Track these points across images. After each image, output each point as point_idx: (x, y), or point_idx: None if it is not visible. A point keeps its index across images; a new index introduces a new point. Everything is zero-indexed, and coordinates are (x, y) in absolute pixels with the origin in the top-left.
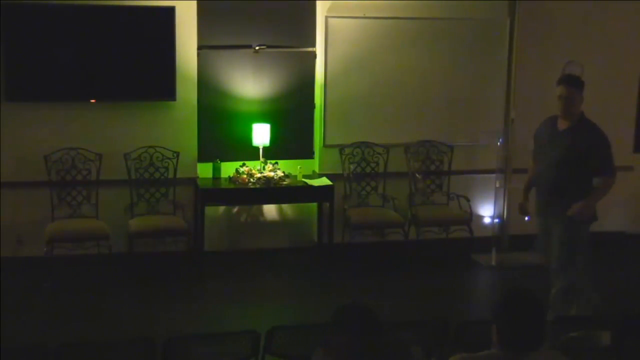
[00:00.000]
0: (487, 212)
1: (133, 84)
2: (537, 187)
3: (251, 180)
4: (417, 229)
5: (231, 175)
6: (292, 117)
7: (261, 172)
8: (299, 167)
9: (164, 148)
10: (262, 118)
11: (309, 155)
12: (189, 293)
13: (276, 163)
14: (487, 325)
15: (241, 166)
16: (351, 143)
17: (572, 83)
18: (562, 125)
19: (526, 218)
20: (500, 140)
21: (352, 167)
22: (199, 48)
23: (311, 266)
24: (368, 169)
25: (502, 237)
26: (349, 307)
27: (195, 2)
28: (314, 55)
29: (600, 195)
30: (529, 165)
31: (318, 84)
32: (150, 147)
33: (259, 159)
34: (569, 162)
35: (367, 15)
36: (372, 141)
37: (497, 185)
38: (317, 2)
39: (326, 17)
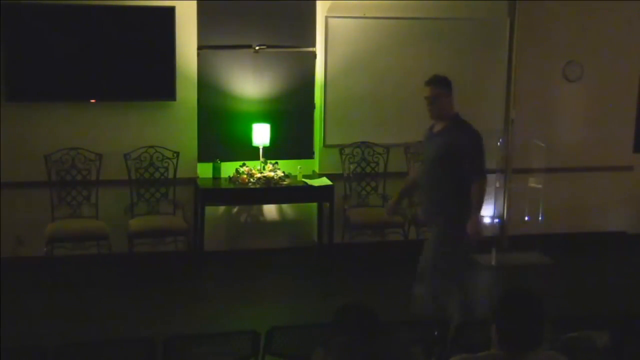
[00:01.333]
0: (487, 212)
1: (133, 84)
2: (419, 191)
3: (251, 180)
4: (417, 229)
5: (231, 175)
6: (292, 117)
7: (261, 172)
8: (299, 167)
9: (164, 148)
10: (262, 118)
11: (309, 155)
12: (189, 293)
13: (276, 163)
14: (487, 325)
15: (241, 166)
16: (351, 143)
17: (437, 83)
18: (437, 127)
19: (527, 218)
20: (500, 140)
21: (352, 167)
22: (199, 48)
23: (311, 266)
24: (368, 169)
25: (502, 237)
26: (349, 307)
27: (195, 2)
28: (314, 55)
29: (479, 203)
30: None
31: (318, 84)
32: (150, 147)
33: (259, 159)
34: (441, 165)
35: (367, 15)
36: (372, 141)
37: (497, 185)
38: (317, 2)
39: (326, 17)
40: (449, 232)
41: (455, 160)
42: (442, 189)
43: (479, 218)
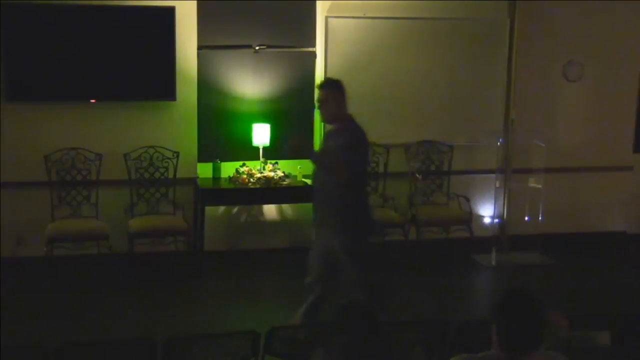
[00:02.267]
0: (487, 212)
1: (133, 84)
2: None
3: (251, 180)
4: (417, 229)
5: (231, 175)
6: (292, 117)
7: (261, 172)
8: (299, 167)
9: (164, 148)
10: (262, 118)
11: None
12: (189, 293)
13: (276, 163)
14: (487, 325)
15: (241, 166)
16: None
17: (328, 86)
18: (331, 130)
19: (527, 218)
20: (500, 140)
21: None
22: (199, 48)
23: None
24: (368, 169)
25: (502, 237)
26: (349, 307)
27: (195, 2)
28: (314, 55)
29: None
30: None
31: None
32: (150, 147)
33: (259, 159)
34: (331, 165)
35: (367, 15)
36: (373, 141)
37: (497, 185)
38: (317, 2)
39: (326, 17)
40: (346, 236)
41: (344, 161)
42: (332, 194)
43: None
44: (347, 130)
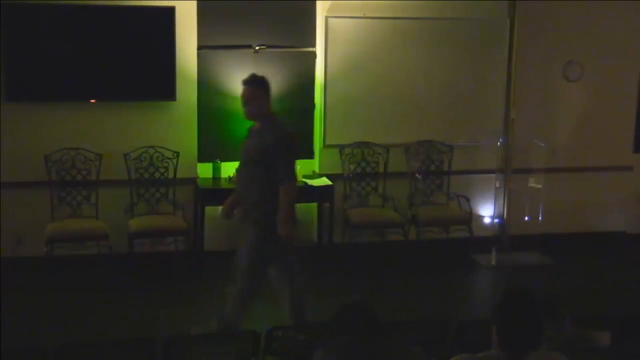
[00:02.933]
0: (487, 212)
1: (133, 84)
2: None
3: None
4: (417, 229)
5: (231, 175)
6: (292, 117)
7: None
8: (299, 167)
9: (164, 148)
10: None
11: (309, 155)
12: (189, 293)
13: None
14: (487, 325)
15: None
16: (351, 143)
17: (253, 83)
18: (254, 127)
19: (527, 218)
20: (500, 140)
21: (352, 167)
22: (199, 48)
23: (311, 266)
24: (368, 169)
25: (502, 237)
26: (349, 307)
27: (195, 2)
28: (314, 55)
29: (286, 207)
30: None
31: (318, 84)
32: (150, 147)
33: None
34: (254, 166)
35: (367, 15)
36: (372, 141)
37: (497, 185)
38: (317, 2)
39: (326, 17)
40: (259, 234)
41: (267, 162)
42: (255, 190)
43: (287, 219)
44: (272, 128)
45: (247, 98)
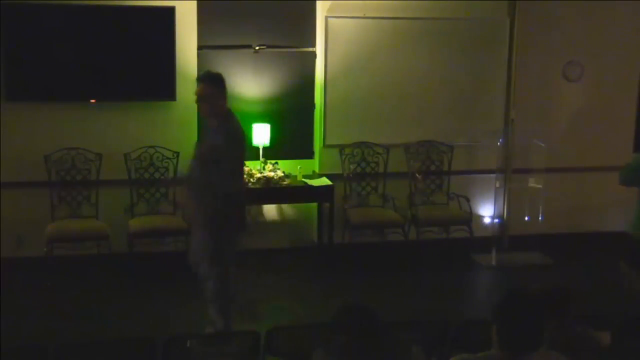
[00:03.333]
0: (487, 212)
1: (133, 84)
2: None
3: (251, 180)
4: (417, 229)
5: None
6: (292, 117)
7: (261, 172)
8: (299, 167)
9: (164, 148)
10: (262, 118)
11: (309, 155)
12: (189, 293)
13: (276, 163)
14: (487, 325)
15: None
16: (351, 143)
17: (207, 81)
18: (210, 124)
19: (527, 218)
20: (500, 140)
21: (352, 167)
22: (199, 48)
23: (311, 266)
24: (368, 169)
25: (502, 237)
26: (349, 307)
27: (195, 2)
28: (314, 55)
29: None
30: None
31: (318, 84)
32: (150, 147)
33: (259, 159)
34: (204, 163)
35: (367, 15)
36: (372, 141)
37: (497, 185)
38: (317, 2)
39: (326, 17)
40: (211, 232)
41: (217, 160)
42: (204, 188)
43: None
44: (224, 127)
45: (201, 95)
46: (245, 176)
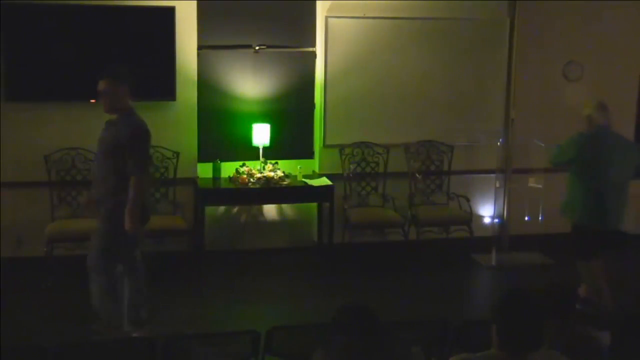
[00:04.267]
0: (487, 212)
1: (133, 84)
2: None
3: (251, 180)
4: (417, 229)
5: (231, 175)
6: (292, 117)
7: (261, 172)
8: (299, 167)
9: (164, 148)
10: (262, 118)
11: (309, 155)
12: (189, 293)
13: (276, 163)
14: (487, 325)
15: (241, 166)
16: (351, 143)
17: (109, 77)
18: (111, 120)
19: (527, 218)
20: (500, 140)
21: (352, 167)
22: (199, 48)
23: (311, 266)
24: (368, 169)
25: (502, 237)
26: (349, 307)
27: (195, 2)
28: (314, 55)
29: (135, 198)
30: None
31: (318, 84)
32: (150, 147)
33: (259, 159)
34: (108, 157)
35: (367, 15)
36: (372, 141)
37: (497, 185)
38: (317, 2)
39: (326, 17)
40: (108, 226)
41: (120, 154)
42: (108, 182)
43: (134, 212)
44: (127, 122)
45: (104, 91)
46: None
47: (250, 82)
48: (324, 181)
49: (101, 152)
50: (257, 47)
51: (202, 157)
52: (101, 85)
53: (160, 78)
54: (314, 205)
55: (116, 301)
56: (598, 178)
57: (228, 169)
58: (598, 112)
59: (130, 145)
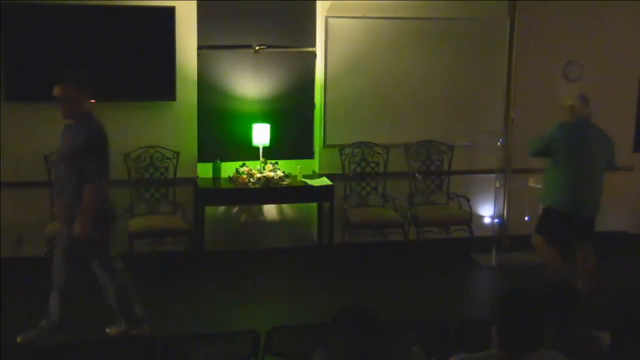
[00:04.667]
0: (487, 212)
1: (133, 84)
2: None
3: (251, 180)
4: (417, 229)
5: (231, 175)
6: (292, 117)
7: (261, 172)
8: (299, 167)
9: (164, 148)
10: (262, 118)
11: (309, 155)
12: (189, 293)
13: (276, 163)
14: (487, 325)
15: (241, 166)
16: (351, 143)
17: (66, 82)
18: (69, 124)
19: (527, 218)
20: (500, 140)
21: (352, 167)
22: (199, 48)
23: (311, 266)
24: (368, 169)
25: (502, 237)
26: (349, 307)
27: (195, 2)
28: (314, 55)
29: (87, 205)
30: None
31: (318, 84)
32: (150, 147)
33: (259, 159)
34: (66, 163)
35: (367, 15)
36: (372, 141)
37: (497, 185)
38: (317, 2)
39: (326, 17)
40: (65, 231)
41: (77, 160)
42: (67, 188)
43: (84, 219)
44: (85, 128)
45: (59, 97)
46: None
47: (250, 82)
48: (324, 181)
49: (61, 157)
50: (257, 47)
51: (202, 157)
52: (56, 91)
53: (160, 78)
54: (314, 205)
55: (68, 303)
56: (578, 166)
57: (228, 169)
58: (580, 103)
59: (87, 152)
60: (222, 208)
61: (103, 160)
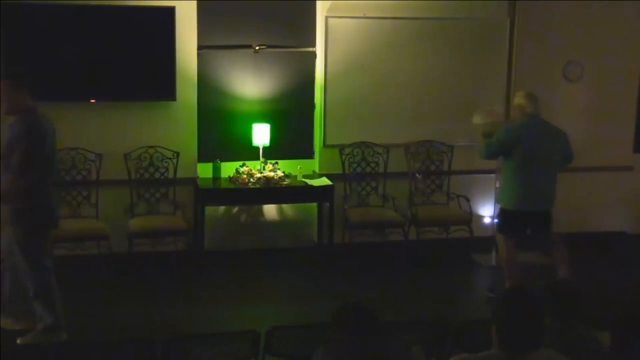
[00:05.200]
0: (487, 212)
1: (133, 84)
2: None
3: (251, 180)
4: (417, 229)
5: (231, 175)
6: (292, 117)
7: (261, 172)
8: (299, 167)
9: (164, 148)
10: (262, 118)
11: (309, 155)
12: (189, 293)
13: (276, 163)
14: (487, 325)
15: (241, 166)
16: (351, 143)
17: (4, 77)
18: (10, 120)
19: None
20: None
21: (352, 167)
22: (199, 48)
23: (311, 266)
24: (368, 169)
25: None
26: (349, 307)
27: (195, 2)
28: (314, 55)
29: (5, 195)
30: None
31: (318, 84)
32: (150, 147)
33: (259, 159)
34: (5, 158)
35: (367, 15)
36: (372, 141)
37: (497, 185)
38: (317, 2)
39: (326, 17)
40: (18, 227)
41: (13, 156)
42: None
43: None
44: (18, 125)
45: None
46: (46, 171)
47: (250, 82)
48: (324, 181)
49: (3, 153)
50: (257, 47)
51: (202, 157)
52: None
53: (160, 78)
54: (314, 205)
55: (55, 306)
56: (531, 164)
57: (228, 169)
58: (528, 101)
59: (17, 145)
60: (222, 208)
61: (32, 156)
